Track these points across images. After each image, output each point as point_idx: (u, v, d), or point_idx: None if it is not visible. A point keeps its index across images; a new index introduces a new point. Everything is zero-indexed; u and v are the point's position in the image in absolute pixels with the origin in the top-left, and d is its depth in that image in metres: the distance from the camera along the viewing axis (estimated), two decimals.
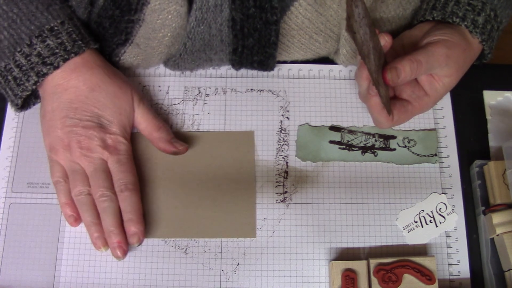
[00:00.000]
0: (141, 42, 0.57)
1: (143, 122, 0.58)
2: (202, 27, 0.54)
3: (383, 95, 0.52)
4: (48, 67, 0.54)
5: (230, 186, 0.59)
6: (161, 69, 0.64)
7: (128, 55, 0.59)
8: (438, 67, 0.53)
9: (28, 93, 0.55)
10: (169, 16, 0.53)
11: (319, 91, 0.63)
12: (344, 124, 0.62)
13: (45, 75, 0.54)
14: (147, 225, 0.57)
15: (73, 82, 0.55)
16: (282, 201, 0.59)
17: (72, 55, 0.54)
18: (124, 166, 0.56)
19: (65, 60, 0.54)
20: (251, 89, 0.63)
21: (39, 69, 0.54)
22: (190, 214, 0.58)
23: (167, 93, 0.63)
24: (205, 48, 0.57)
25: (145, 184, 0.59)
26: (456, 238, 0.58)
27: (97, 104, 0.55)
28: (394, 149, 0.61)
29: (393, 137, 0.61)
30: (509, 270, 0.54)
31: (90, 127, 0.55)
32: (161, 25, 0.54)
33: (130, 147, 0.58)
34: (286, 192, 0.59)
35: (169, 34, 0.55)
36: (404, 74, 0.51)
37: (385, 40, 0.52)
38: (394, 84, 0.52)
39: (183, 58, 0.58)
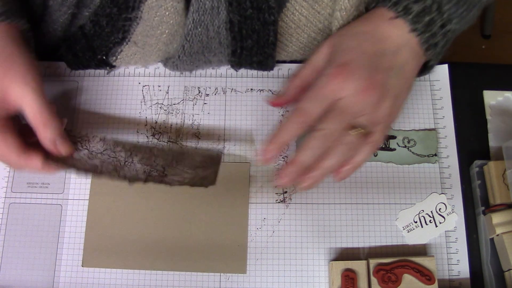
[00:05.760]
0: (138, 40, 0.57)
1: (27, 114, 0.50)
2: (199, 29, 0.54)
3: None
4: None
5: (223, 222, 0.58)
6: (161, 69, 0.64)
7: (125, 54, 0.59)
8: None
9: None
10: (167, 13, 0.53)
11: None
12: None
13: None
14: (136, 256, 0.56)
15: None
16: (281, 201, 0.59)
17: None
18: None
19: None
20: (251, 89, 0.63)
21: None
22: (181, 246, 0.57)
23: (167, 93, 0.63)
24: (204, 50, 0.57)
25: (135, 212, 0.58)
26: (456, 238, 0.58)
27: None
28: (394, 149, 0.61)
29: (393, 137, 0.61)
30: (508, 270, 0.54)
31: None
32: (158, 22, 0.53)
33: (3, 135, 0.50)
34: (285, 192, 0.59)
35: (167, 31, 0.54)
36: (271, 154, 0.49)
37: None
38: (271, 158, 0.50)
39: (181, 60, 0.58)
